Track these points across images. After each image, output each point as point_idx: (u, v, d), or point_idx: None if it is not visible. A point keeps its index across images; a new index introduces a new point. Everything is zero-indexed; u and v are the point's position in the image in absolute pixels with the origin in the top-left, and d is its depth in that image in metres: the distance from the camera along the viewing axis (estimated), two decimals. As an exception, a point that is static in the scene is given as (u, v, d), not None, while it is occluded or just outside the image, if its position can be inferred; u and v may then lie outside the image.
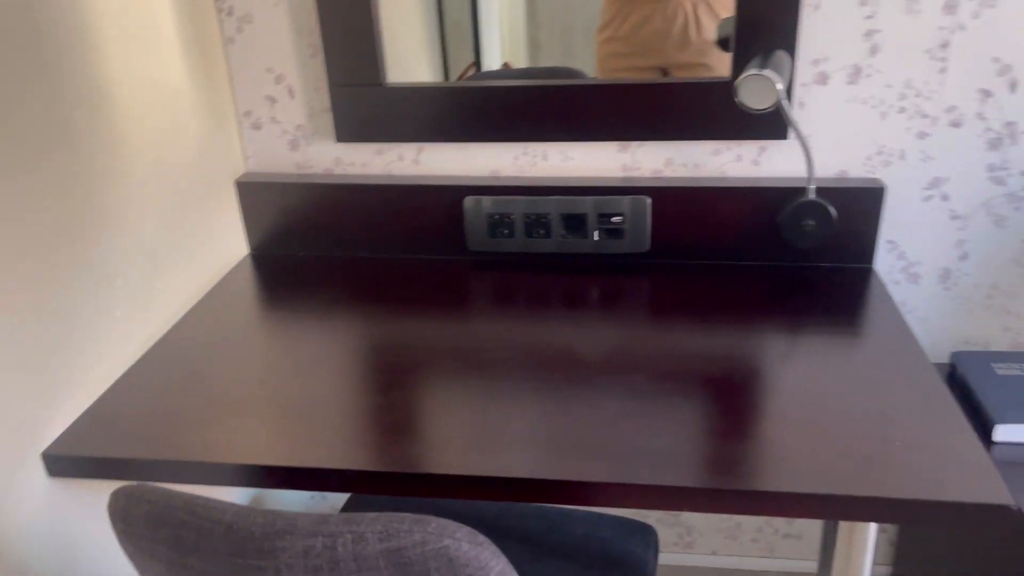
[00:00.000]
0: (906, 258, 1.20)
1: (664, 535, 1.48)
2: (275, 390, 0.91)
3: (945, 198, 1.15)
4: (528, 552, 1.08)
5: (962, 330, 1.23)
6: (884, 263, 1.20)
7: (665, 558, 1.50)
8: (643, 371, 0.91)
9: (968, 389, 1.12)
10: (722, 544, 1.48)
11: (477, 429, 0.83)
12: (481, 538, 0.58)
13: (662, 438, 0.80)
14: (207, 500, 0.60)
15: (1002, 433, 1.03)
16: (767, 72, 0.94)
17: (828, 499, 0.73)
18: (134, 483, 0.63)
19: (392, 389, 0.90)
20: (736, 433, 0.81)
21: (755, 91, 0.94)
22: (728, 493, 0.74)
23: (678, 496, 0.75)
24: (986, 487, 0.73)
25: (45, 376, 0.85)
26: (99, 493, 0.93)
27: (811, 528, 1.44)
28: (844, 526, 0.88)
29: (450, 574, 0.56)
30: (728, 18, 1.04)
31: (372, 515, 0.56)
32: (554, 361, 0.94)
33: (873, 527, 0.86)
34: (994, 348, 1.23)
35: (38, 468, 0.84)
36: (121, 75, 0.96)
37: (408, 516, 0.56)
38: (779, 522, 1.43)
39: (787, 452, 0.78)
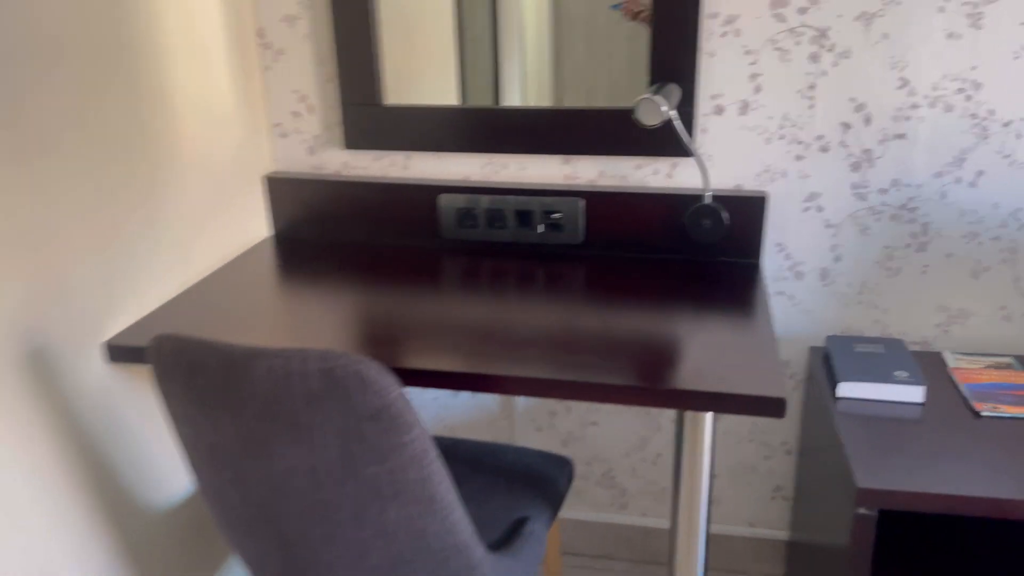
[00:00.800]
0: (792, 258, 1.47)
1: (601, 497, 1.73)
2: (275, 319, 1.23)
3: (820, 209, 1.43)
4: (468, 469, 1.36)
5: (840, 320, 1.49)
6: (774, 262, 1.48)
7: (602, 517, 1.74)
8: (568, 326, 1.21)
9: (830, 361, 1.38)
10: (651, 506, 1.72)
11: (441, 351, 1.13)
12: (386, 371, 0.87)
13: (573, 358, 1.09)
14: (210, 339, 0.90)
15: (842, 390, 1.29)
16: (656, 97, 1.24)
17: (671, 392, 1.01)
18: (167, 332, 0.94)
19: (371, 328, 1.21)
20: (625, 359, 1.09)
21: (647, 111, 1.25)
22: (616, 388, 1.02)
23: (578, 389, 1.04)
24: (772, 389, 1.00)
25: (110, 294, 1.17)
26: (139, 377, 1.24)
27: (731, 495, 1.67)
28: (688, 416, 1.13)
29: (361, 387, 0.86)
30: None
31: (315, 349, 0.87)
32: (503, 314, 1.24)
33: (709, 417, 1.12)
34: (866, 335, 1.49)
35: (99, 355, 1.16)
36: (182, 88, 1.31)
37: (340, 351, 0.86)
38: (698, 488, 1.68)
39: (658, 371, 1.06)
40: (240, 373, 0.88)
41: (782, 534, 1.67)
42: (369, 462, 0.91)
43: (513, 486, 1.31)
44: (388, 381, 0.87)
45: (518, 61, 1.46)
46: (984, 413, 1.23)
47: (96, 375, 1.16)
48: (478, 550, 1.04)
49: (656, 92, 1.28)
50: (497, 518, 1.24)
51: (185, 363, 0.91)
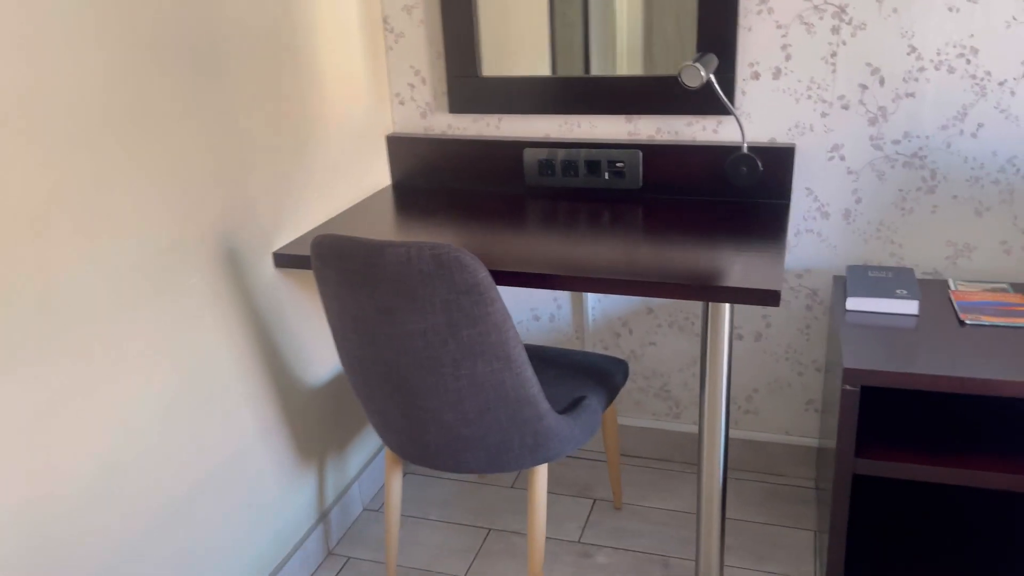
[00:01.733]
0: (819, 201, 1.74)
1: (658, 407, 2.05)
2: (394, 236, 1.61)
3: (843, 159, 1.70)
4: (544, 364, 1.71)
5: (861, 253, 1.75)
6: (804, 204, 1.75)
7: (659, 424, 2.06)
8: (622, 250, 1.54)
9: (845, 284, 1.66)
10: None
11: (541, 266, 1.49)
12: (477, 258, 1.23)
13: (623, 268, 1.43)
14: (355, 236, 1.29)
15: (850, 304, 1.57)
16: (697, 64, 1.55)
17: (692, 287, 1.33)
18: (325, 233, 1.33)
19: (468, 247, 1.58)
20: (664, 271, 1.42)
21: (690, 75, 1.55)
22: (646, 283, 1.36)
23: (631, 286, 1.37)
24: (769, 284, 1.30)
25: (277, 217, 1.59)
26: (295, 280, 1.65)
27: (769, 407, 1.96)
28: (712, 307, 1.44)
29: (460, 268, 1.22)
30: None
31: (429, 241, 1.23)
32: (584, 247, 1.59)
33: (726, 307, 1.42)
34: (886, 265, 1.74)
35: (270, 261, 1.57)
36: (328, 64, 1.71)
37: (446, 243, 1.23)
38: (740, 399, 1.97)
39: (687, 277, 1.38)
40: (375, 258, 1.26)
41: (813, 441, 1.95)
42: (464, 326, 1.28)
43: (577, 376, 1.66)
44: (478, 265, 1.23)
45: (597, 35, 1.79)
46: (968, 322, 1.49)
47: (268, 276, 1.57)
48: (544, 403, 1.39)
49: (697, 60, 1.58)
50: (563, 396, 1.59)
51: (336, 253, 1.30)
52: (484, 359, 1.31)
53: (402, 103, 1.97)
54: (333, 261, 1.31)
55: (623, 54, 1.78)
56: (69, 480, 1.18)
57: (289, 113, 1.60)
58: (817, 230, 1.77)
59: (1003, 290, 1.61)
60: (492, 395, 1.35)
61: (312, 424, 1.76)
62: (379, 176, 1.96)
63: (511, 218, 1.71)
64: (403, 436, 1.47)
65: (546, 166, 1.86)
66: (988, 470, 1.38)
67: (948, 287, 1.64)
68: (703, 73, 1.55)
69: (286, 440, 1.67)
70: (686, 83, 1.56)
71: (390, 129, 1.99)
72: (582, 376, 1.66)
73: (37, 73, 1.08)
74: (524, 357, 1.33)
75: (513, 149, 1.88)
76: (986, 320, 1.48)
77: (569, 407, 1.55)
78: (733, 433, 2.01)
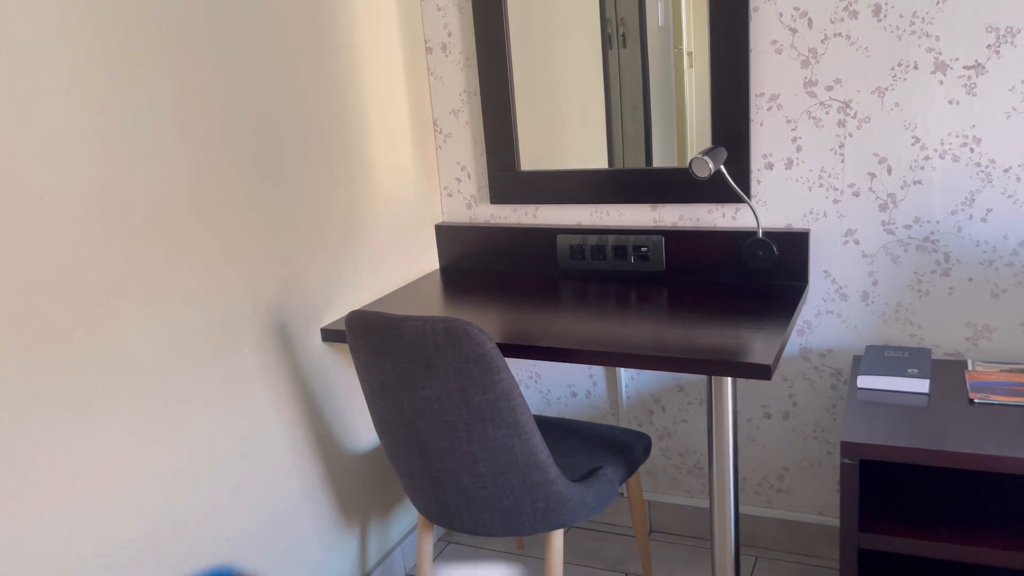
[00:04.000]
0: (837, 283, 1.81)
1: (692, 484, 2.09)
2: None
3: (857, 243, 1.77)
4: (566, 436, 1.80)
5: (881, 334, 1.79)
6: (823, 286, 1.82)
7: (692, 502, 2.10)
8: (656, 333, 1.66)
9: (860, 363, 1.70)
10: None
11: (564, 341, 1.63)
12: (485, 331, 1.37)
13: (640, 340, 1.55)
14: (379, 311, 1.45)
15: (861, 381, 1.61)
16: (705, 157, 1.68)
17: (691, 360, 1.43)
18: (356, 309, 1.51)
19: (505, 324, 1.73)
20: (676, 347, 1.53)
21: (699, 167, 1.68)
22: (649, 357, 1.46)
23: (644, 360, 1.48)
24: (762, 359, 1.38)
25: (328, 295, 1.78)
26: (342, 355, 1.83)
27: (801, 487, 1.97)
28: (715, 381, 1.52)
29: (467, 339, 1.36)
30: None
31: (441, 316, 1.38)
32: (607, 324, 1.72)
33: (729, 381, 1.50)
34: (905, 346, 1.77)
35: (318, 335, 1.76)
36: (378, 160, 1.93)
37: (457, 317, 1.37)
38: (772, 478, 1.99)
39: (691, 351, 1.48)
40: (395, 330, 1.42)
41: (847, 523, 1.94)
42: (475, 392, 1.41)
43: (598, 447, 1.74)
44: (485, 337, 1.37)
45: (627, 131, 1.95)
46: (977, 401, 1.51)
47: (316, 350, 1.76)
48: (553, 469, 1.49)
49: (706, 153, 1.71)
50: (581, 465, 1.68)
51: (364, 326, 1.47)
52: (494, 424, 1.44)
53: (450, 195, 2.17)
54: (362, 333, 1.48)
55: (654, 147, 1.93)
56: (124, 523, 1.36)
57: (342, 201, 1.81)
58: (837, 311, 1.82)
59: (1021, 371, 1.61)
60: (503, 459, 1.47)
61: (354, 488, 1.90)
62: (429, 260, 2.15)
63: (545, 298, 1.85)
64: (428, 496, 1.59)
65: (577, 251, 2.00)
66: (992, 547, 1.37)
67: (966, 367, 1.66)
68: (711, 165, 1.68)
69: (329, 502, 1.82)
70: (696, 174, 1.69)
71: (439, 218, 2.19)
72: (602, 448, 1.74)
73: (125, 165, 1.32)
74: (532, 424, 1.45)
75: (548, 236, 2.04)
76: (996, 399, 1.50)
77: (584, 476, 1.63)
78: (767, 512, 2.03)
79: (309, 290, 1.74)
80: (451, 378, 1.41)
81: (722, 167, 1.75)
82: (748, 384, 1.96)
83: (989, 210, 1.65)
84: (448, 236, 2.16)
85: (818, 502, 1.97)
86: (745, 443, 2.01)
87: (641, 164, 1.94)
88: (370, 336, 1.47)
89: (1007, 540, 1.39)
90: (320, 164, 1.75)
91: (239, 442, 1.57)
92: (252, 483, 1.61)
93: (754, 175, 1.83)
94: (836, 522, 1.96)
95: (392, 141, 1.98)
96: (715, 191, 1.86)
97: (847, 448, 1.41)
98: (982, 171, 1.63)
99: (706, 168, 1.68)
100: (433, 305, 1.86)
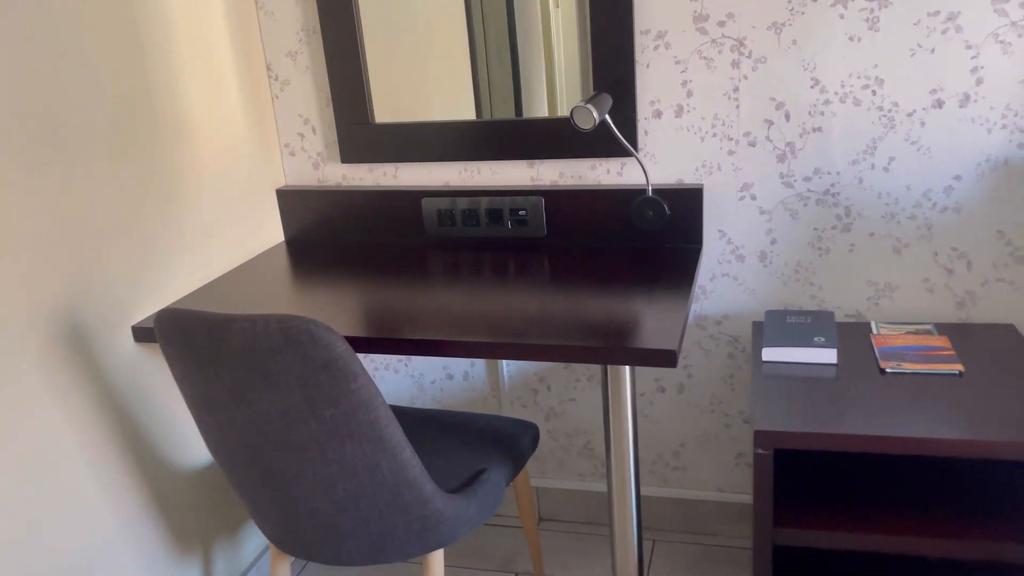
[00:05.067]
0: (733, 243, 1.64)
1: (583, 466, 1.92)
2: (278, 305, 1.47)
3: (754, 198, 1.60)
4: (442, 432, 1.57)
5: (780, 296, 1.65)
6: (718, 247, 1.65)
7: (584, 486, 1.92)
8: (541, 312, 1.42)
9: (761, 331, 1.55)
10: (627, 475, 1.89)
11: (435, 329, 1.36)
12: (333, 330, 1.10)
13: (513, 326, 1.30)
14: (196, 309, 1.15)
15: (766, 355, 1.46)
16: (588, 105, 1.45)
17: (581, 349, 1.20)
18: (166, 307, 1.19)
19: (364, 309, 1.45)
20: (559, 328, 1.30)
21: (582, 117, 1.45)
22: (535, 347, 1.23)
23: (529, 351, 1.24)
24: (665, 343, 1.18)
25: (137, 287, 1.44)
26: (158, 355, 1.50)
27: (698, 463, 1.83)
28: (611, 369, 1.32)
29: (312, 342, 1.08)
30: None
31: (277, 313, 1.10)
32: (484, 303, 1.46)
33: (627, 374, 1.30)
34: (806, 309, 1.64)
35: (129, 336, 1.42)
36: (198, 115, 1.58)
37: (297, 315, 1.09)
38: (668, 455, 1.84)
39: (581, 336, 1.26)
40: (219, 334, 1.12)
41: (746, 497, 1.82)
42: (326, 405, 1.14)
43: (479, 445, 1.52)
44: (334, 338, 1.10)
45: (496, 78, 1.68)
46: (888, 370, 1.38)
47: (127, 354, 1.42)
48: (428, 485, 1.25)
49: (590, 100, 1.48)
50: (460, 469, 1.45)
51: (179, 329, 1.16)
52: (353, 440, 1.17)
53: (292, 154, 1.84)
54: (177, 338, 1.17)
55: (524, 96, 1.67)
56: None
57: (150, 170, 1.46)
58: (733, 274, 1.66)
59: (927, 332, 1.51)
60: (367, 479, 1.21)
61: (191, 510, 1.59)
62: (271, 232, 1.83)
63: (411, 273, 1.58)
64: (277, 526, 1.31)
65: (446, 216, 1.74)
66: (915, 535, 1.26)
67: (870, 330, 1.54)
68: (595, 114, 1.45)
69: (159, 531, 1.50)
70: (578, 125, 1.46)
71: (281, 182, 1.86)
72: (484, 445, 1.52)
73: None
74: (399, 437, 1.19)
75: (411, 199, 1.76)
76: (907, 367, 1.38)
77: (466, 483, 1.41)
78: (662, 492, 1.88)
79: (112, 280, 1.39)
80: (294, 389, 1.13)
81: (607, 117, 1.52)
82: (639, 356, 1.78)
83: (892, 159, 1.51)
84: (293, 202, 1.84)
85: (716, 478, 1.83)
86: (639, 420, 1.84)
87: (512, 115, 1.69)
88: (188, 341, 1.16)
89: (932, 526, 1.28)
90: (118, 121, 1.39)
91: (24, 485, 1.23)
92: (46, 531, 1.27)
93: (641, 125, 1.62)
94: (735, 498, 1.83)
95: (214, 91, 1.63)
96: (598, 144, 1.64)
97: (761, 438, 1.25)
98: (885, 116, 1.49)
99: (590, 118, 1.45)
100: (276, 288, 1.56)
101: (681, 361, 1.76)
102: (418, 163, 1.77)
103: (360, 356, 1.95)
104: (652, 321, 1.27)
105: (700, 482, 1.85)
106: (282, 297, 1.50)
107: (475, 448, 1.50)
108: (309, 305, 1.45)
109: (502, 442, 1.52)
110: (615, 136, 1.60)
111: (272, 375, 1.12)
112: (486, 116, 1.70)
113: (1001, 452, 1.17)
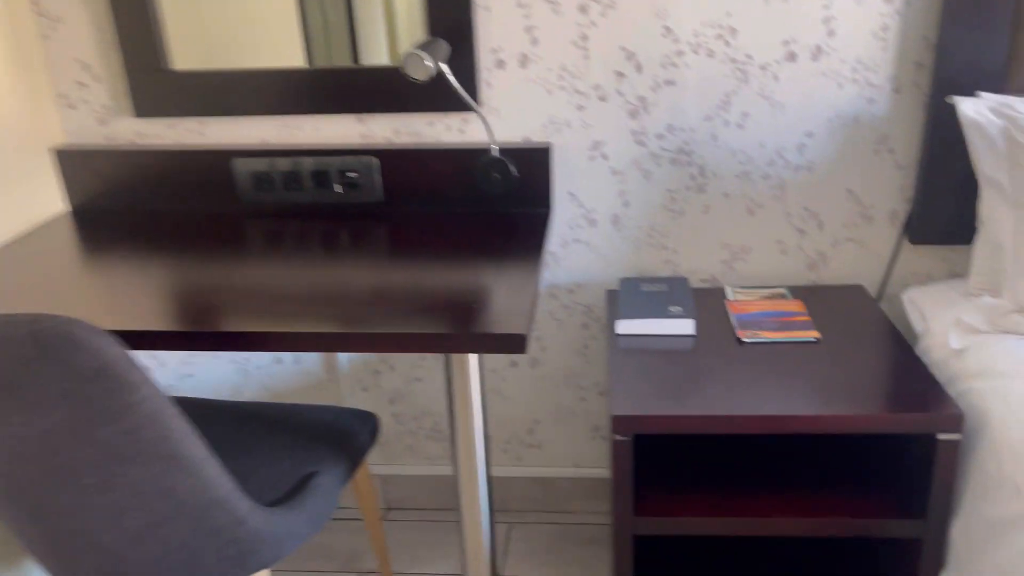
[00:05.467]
0: (584, 207, 1.52)
1: (432, 450, 1.77)
2: (64, 292, 1.20)
3: (605, 157, 1.48)
4: (263, 430, 1.36)
5: (633, 262, 1.55)
6: (568, 211, 1.53)
7: (435, 470, 1.78)
8: (377, 291, 1.22)
9: (616, 300, 1.44)
10: (480, 456, 1.77)
11: (252, 316, 1.13)
12: (102, 332, 0.87)
13: (343, 312, 1.11)
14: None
15: (620, 327, 1.35)
16: (421, 52, 1.26)
17: (418, 337, 1.04)
18: None
19: (168, 294, 1.20)
20: (397, 310, 1.12)
21: (414, 66, 1.27)
22: (371, 336, 1.05)
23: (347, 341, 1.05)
24: (514, 327, 1.04)
25: None
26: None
27: (554, 438, 1.74)
28: (454, 361, 1.18)
29: (73, 349, 0.86)
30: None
31: (25, 313, 0.86)
32: (311, 282, 1.25)
33: (473, 360, 1.16)
34: (660, 275, 1.56)
35: None
36: (-67, 54, 1.26)
37: (51, 314, 0.86)
38: (522, 433, 1.73)
39: (422, 319, 1.09)
40: (-51, 342, 0.87)
41: (603, 472, 1.75)
42: (100, 423, 0.92)
43: (309, 443, 1.33)
44: (103, 342, 0.88)
45: (316, 19, 1.45)
46: (746, 340, 1.31)
47: None
48: (241, 503, 1.06)
49: (423, 47, 1.30)
50: (286, 475, 1.26)
51: None
52: (140, 461, 0.96)
53: (72, 107, 1.54)
54: None
55: (361, 42, 1.46)
56: None
57: None
58: (586, 239, 1.55)
59: (781, 296, 1.46)
60: (162, 505, 1.00)
61: (-41, 542, 1.32)
62: (50, 201, 1.53)
63: (223, 248, 1.35)
64: (58, 566, 1.08)
65: (264, 179, 1.51)
66: (781, 515, 1.20)
67: (725, 296, 1.47)
68: (430, 63, 1.27)
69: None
70: (411, 76, 1.27)
71: (59, 140, 1.55)
72: (315, 443, 1.33)
73: None
74: (200, 453, 0.99)
75: (221, 160, 1.51)
76: (764, 336, 1.31)
77: (292, 491, 1.22)
78: (517, 472, 1.77)
79: None
80: (58, 407, 0.90)
81: (444, 66, 1.35)
82: (489, 330, 1.64)
83: (746, 114, 1.43)
84: (76, 165, 1.54)
85: (572, 454, 1.74)
86: (490, 397, 1.71)
87: (348, 62, 1.47)
88: (-96, 352, 0.89)
89: (796, 507, 1.22)
90: None
91: None
92: None
93: (483, 76, 1.45)
94: (592, 473, 1.75)
95: (-44, 27, 1.30)
96: (437, 97, 1.46)
97: (619, 423, 1.14)
98: (738, 68, 1.40)
99: (423, 67, 1.27)
100: (52, 270, 1.28)
101: (533, 334, 1.64)
102: (228, 117, 1.52)
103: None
104: (501, 299, 1.12)
105: (556, 458, 1.75)
106: (59, 281, 1.23)
107: (304, 448, 1.32)
108: (93, 291, 1.20)
109: (336, 438, 1.35)
110: (454, 88, 1.42)
111: (27, 391, 0.89)
112: (321, 63, 1.47)
113: (858, 426, 1.13)
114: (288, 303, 1.13)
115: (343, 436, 1.35)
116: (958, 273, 1.50)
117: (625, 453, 1.16)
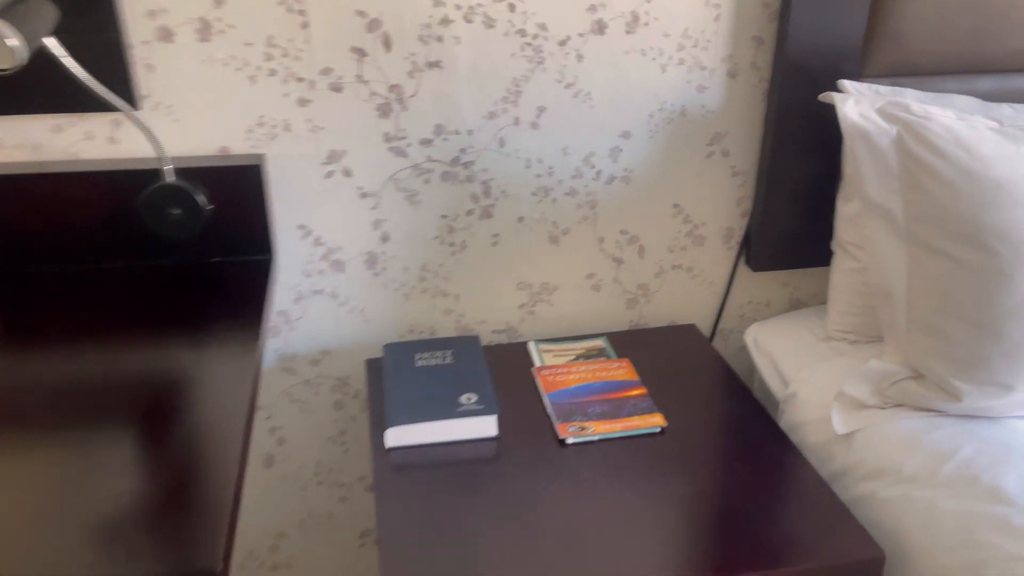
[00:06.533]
0: (324, 244, 1.04)
1: None
2: None
3: (348, 173, 1.01)
4: None
5: (401, 317, 1.11)
6: (301, 252, 1.04)
7: None
8: None
9: (379, 374, 1.00)
10: None
11: None
12: None
13: None
14: None
15: (391, 438, 0.91)
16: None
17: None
18: None
19: None
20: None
21: (-15, 44, 0.71)
22: None
23: None
24: (201, 545, 0.56)
25: None
26: None
27: (307, 554, 1.27)
28: None
29: None
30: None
31: None
32: None
33: None
34: (440, 333, 1.13)
35: None
36: None
37: None
38: (262, 552, 1.25)
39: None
40: None
41: (380, 584, 1.32)
42: None
43: None
44: None
45: None
46: (570, 440, 0.93)
47: None
48: None
49: (5, 12, 0.74)
50: None
51: None
52: None
53: None
54: None
55: None
56: None
57: None
58: (331, 290, 1.07)
59: (600, 351, 1.09)
60: None
61: None
62: None
63: None
64: None
65: None
66: None
67: (531, 359, 1.08)
68: (14, 41, 0.71)
69: None
70: (-16, 59, 0.71)
71: None
72: None
73: None
74: None
75: None
76: (593, 429, 0.93)
77: None
78: None
79: None
80: None
81: (52, 40, 0.79)
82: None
83: (542, 109, 1.02)
84: None
85: (336, 569, 1.29)
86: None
87: None
88: None
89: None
90: None
91: None
92: None
93: (138, 52, 0.91)
94: (365, 585, 1.31)
95: None
96: (67, 91, 0.90)
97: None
98: (529, 45, 0.99)
99: (2, 48, 0.71)
100: None
101: (266, 424, 1.14)
102: None
103: None
104: (204, 399, 0.63)
105: (315, 577, 1.29)
106: None
107: None
108: None
109: None
110: (79, 76, 0.86)
111: None
112: None
113: None
114: None
115: None
116: (800, 300, 1.23)
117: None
